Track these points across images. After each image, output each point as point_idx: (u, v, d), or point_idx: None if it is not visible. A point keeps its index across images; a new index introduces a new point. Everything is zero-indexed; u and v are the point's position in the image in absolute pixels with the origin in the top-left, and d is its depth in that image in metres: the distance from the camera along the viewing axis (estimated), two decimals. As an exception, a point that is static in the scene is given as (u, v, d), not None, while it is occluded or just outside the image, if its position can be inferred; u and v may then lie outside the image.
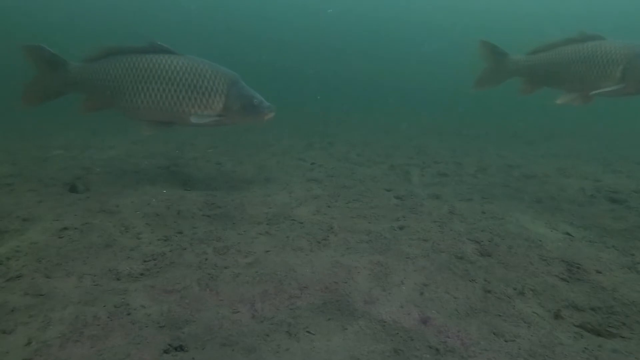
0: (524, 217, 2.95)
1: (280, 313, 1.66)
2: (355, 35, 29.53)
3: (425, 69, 25.91)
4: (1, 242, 2.18)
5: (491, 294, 1.86)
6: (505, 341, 1.53)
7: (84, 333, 1.48)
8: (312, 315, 1.65)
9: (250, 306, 1.70)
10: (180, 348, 1.41)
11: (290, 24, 29.51)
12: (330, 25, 30.63)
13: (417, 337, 1.53)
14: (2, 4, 22.59)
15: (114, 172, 4.05)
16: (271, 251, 2.22)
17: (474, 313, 1.71)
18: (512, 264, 2.17)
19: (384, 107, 14.00)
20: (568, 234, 2.65)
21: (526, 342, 1.52)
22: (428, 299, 1.80)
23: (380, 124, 9.96)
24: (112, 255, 2.11)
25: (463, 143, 7.21)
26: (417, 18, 30.56)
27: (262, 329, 1.55)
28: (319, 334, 1.54)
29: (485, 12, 29.84)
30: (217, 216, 2.74)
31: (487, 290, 1.89)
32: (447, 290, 1.87)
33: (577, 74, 3.39)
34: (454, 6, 29.90)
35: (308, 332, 1.54)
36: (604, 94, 3.25)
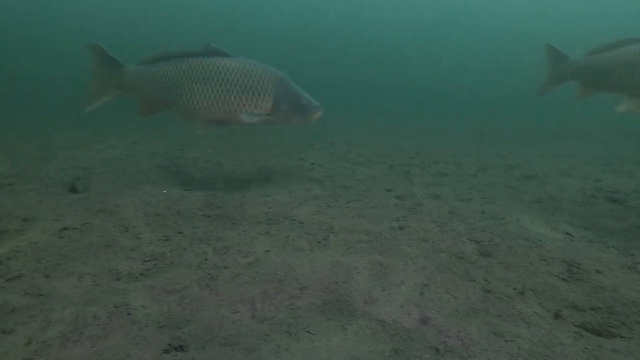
0: (524, 217, 2.95)
1: (280, 313, 1.66)
2: (353, 37, 29.54)
3: (425, 70, 25.92)
4: (1, 242, 2.18)
5: (491, 294, 1.86)
6: (505, 341, 1.53)
7: (84, 333, 1.48)
8: (312, 315, 1.65)
9: (250, 306, 1.69)
10: (180, 348, 1.42)
11: (291, 24, 29.54)
12: (330, 27, 30.67)
13: (417, 337, 1.53)
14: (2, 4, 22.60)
15: (114, 172, 4.05)
16: (271, 251, 2.22)
17: (474, 313, 1.71)
18: (512, 264, 2.17)
19: (383, 107, 14.01)
20: (568, 234, 2.65)
21: (526, 342, 1.52)
22: (428, 299, 1.80)
23: (380, 124, 9.95)
24: (112, 255, 2.11)
25: (463, 143, 7.21)
26: (416, 17, 30.57)
27: (262, 329, 1.55)
28: (319, 334, 1.54)
29: (485, 13, 29.85)
30: (217, 216, 2.74)
31: (487, 290, 1.89)
32: (447, 290, 1.87)
33: None
34: (451, 7, 29.94)
35: (308, 332, 1.54)
36: None
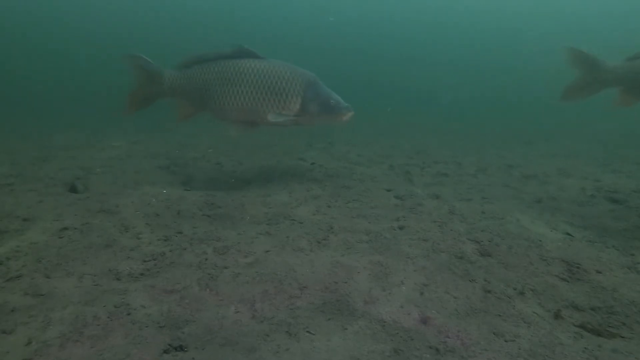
0: (524, 217, 2.95)
1: (280, 313, 1.66)
2: (353, 37, 29.55)
3: (424, 70, 25.92)
4: (1, 242, 2.18)
5: (491, 294, 1.86)
6: (505, 341, 1.53)
7: (84, 333, 1.48)
8: (312, 315, 1.65)
9: (250, 306, 1.69)
10: (180, 348, 1.42)
11: (291, 24, 29.55)
12: (330, 27, 30.66)
13: (417, 337, 1.53)
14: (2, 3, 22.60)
15: (114, 172, 4.05)
16: (271, 251, 2.22)
17: (474, 313, 1.71)
18: (512, 264, 2.17)
19: (384, 108, 14.02)
20: (568, 234, 2.65)
21: (526, 342, 1.52)
22: (428, 299, 1.80)
23: (380, 124, 9.95)
24: (112, 255, 2.11)
25: (463, 143, 7.22)
26: (417, 17, 30.57)
27: (262, 329, 1.55)
28: (319, 334, 1.54)
29: (486, 13, 29.83)
30: (217, 216, 2.74)
31: (487, 290, 1.89)
32: (447, 290, 1.87)
33: None
34: (451, 7, 29.94)
35: (308, 332, 1.54)
36: None
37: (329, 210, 2.94)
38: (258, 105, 3.45)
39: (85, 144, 5.85)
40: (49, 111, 10.02)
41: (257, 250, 2.23)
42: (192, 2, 26.56)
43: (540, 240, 2.47)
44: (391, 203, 3.21)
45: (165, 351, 1.40)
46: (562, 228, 2.76)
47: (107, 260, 2.05)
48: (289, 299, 1.75)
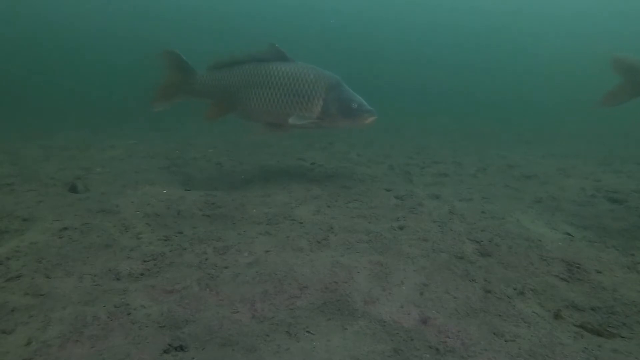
0: (524, 217, 2.95)
1: (280, 313, 1.66)
2: (353, 37, 29.54)
3: (424, 69, 25.92)
4: (1, 242, 2.18)
5: (491, 294, 1.86)
6: (505, 341, 1.53)
7: (84, 333, 1.48)
8: (312, 315, 1.65)
9: (250, 306, 1.69)
10: (180, 348, 1.42)
11: (292, 25, 29.55)
12: (330, 27, 30.66)
13: (417, 337, 1.53)
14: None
15: (114, 172, 4.05)
16: (271, 251, 2.22)
17: (474, 313, 1.71)
18: (512, 264, 2.17)
19: (382, 107, 14.03)
20: (568, 234, 2.65)
21: (526, 342, 1.52)
22: (428, 299, 1.80)
23: (380, 124, 9.95)
24: (112, 255, 2.11)
25: (463, 143, 7.22)
26: (416, 17, 30.59)
27: (262, 329, 1.55)
28: (319, 334, 1.54)
29: (490, 14, 29.84)
30: (217, 216, 2.74)
31: (487, 290, 1.89)
32: (447, 290, 1.87)
33: None
34: (457, 7, 29.94)
35: (308, 332, 1.54)
36: None
37: (329, 210, 2.94)
38: (282, 108, 3.49)
39: (86, 144, 5.86)
40: (50, 111, 10.02)
41: (257, 250, 2.22)
42: (193, 4, 26.59)
43: (540, 240, 2.47)
44: (391, 203, 3.21)
45: (165, 351, 1.40)
46: (562, 228, 2.76)
47: (107, 260, 2.05)
48: (289, 299, 1.75)
